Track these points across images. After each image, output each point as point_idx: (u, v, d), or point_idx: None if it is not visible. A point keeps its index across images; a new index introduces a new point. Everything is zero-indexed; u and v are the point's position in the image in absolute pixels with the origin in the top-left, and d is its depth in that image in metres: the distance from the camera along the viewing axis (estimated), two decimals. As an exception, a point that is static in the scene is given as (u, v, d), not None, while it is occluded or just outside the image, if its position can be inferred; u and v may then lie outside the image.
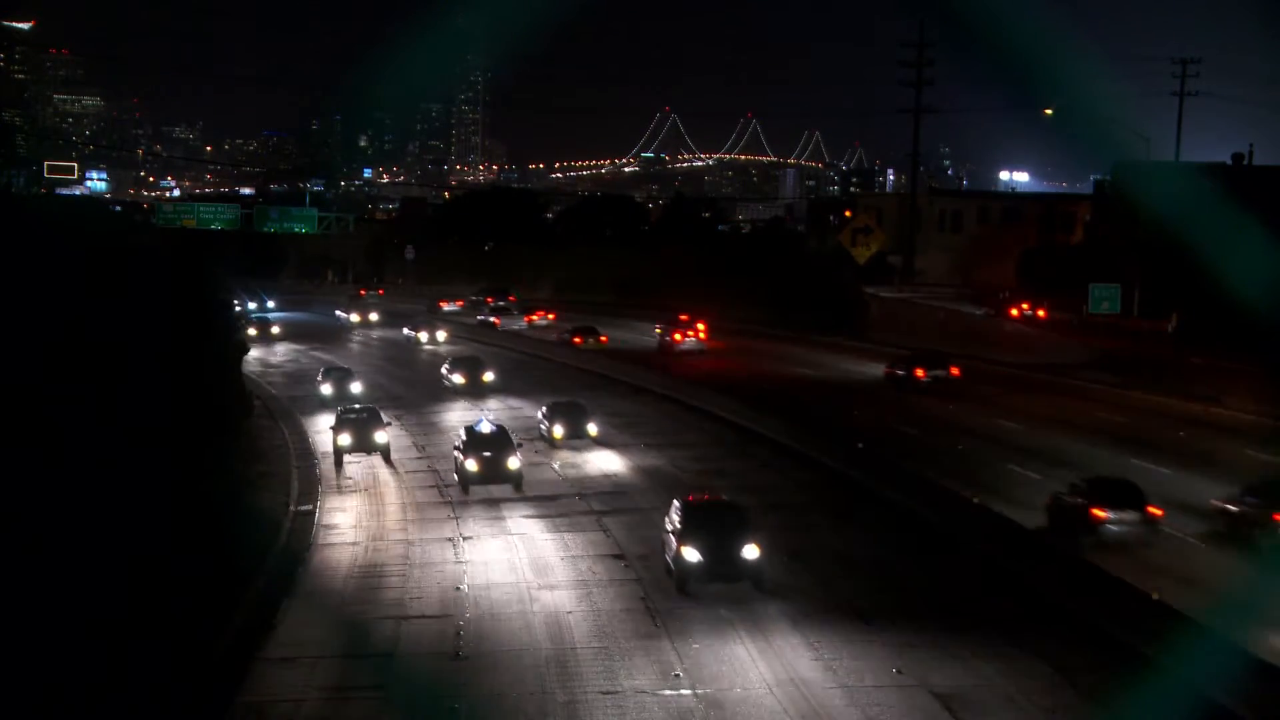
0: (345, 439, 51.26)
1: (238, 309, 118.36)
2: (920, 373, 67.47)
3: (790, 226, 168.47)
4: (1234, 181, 74.25)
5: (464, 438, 46.87)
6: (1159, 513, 36.75)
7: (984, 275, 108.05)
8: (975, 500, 39.48)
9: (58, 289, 36.95)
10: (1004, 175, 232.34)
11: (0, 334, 33.64)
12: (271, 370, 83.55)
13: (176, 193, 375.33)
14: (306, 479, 49.30)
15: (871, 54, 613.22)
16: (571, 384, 71.13)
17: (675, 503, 35.38)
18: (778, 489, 45.91)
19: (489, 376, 70.61)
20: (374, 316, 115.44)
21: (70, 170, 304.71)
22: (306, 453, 54.76)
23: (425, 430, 59.48)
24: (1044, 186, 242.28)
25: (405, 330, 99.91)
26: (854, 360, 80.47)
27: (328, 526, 42.31)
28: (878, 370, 72.04)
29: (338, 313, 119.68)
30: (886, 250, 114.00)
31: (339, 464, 51.20)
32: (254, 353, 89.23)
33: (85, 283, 38.47)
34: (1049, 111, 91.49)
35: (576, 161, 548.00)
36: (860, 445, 49.06)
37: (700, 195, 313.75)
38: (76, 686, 24.91)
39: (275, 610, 32.61)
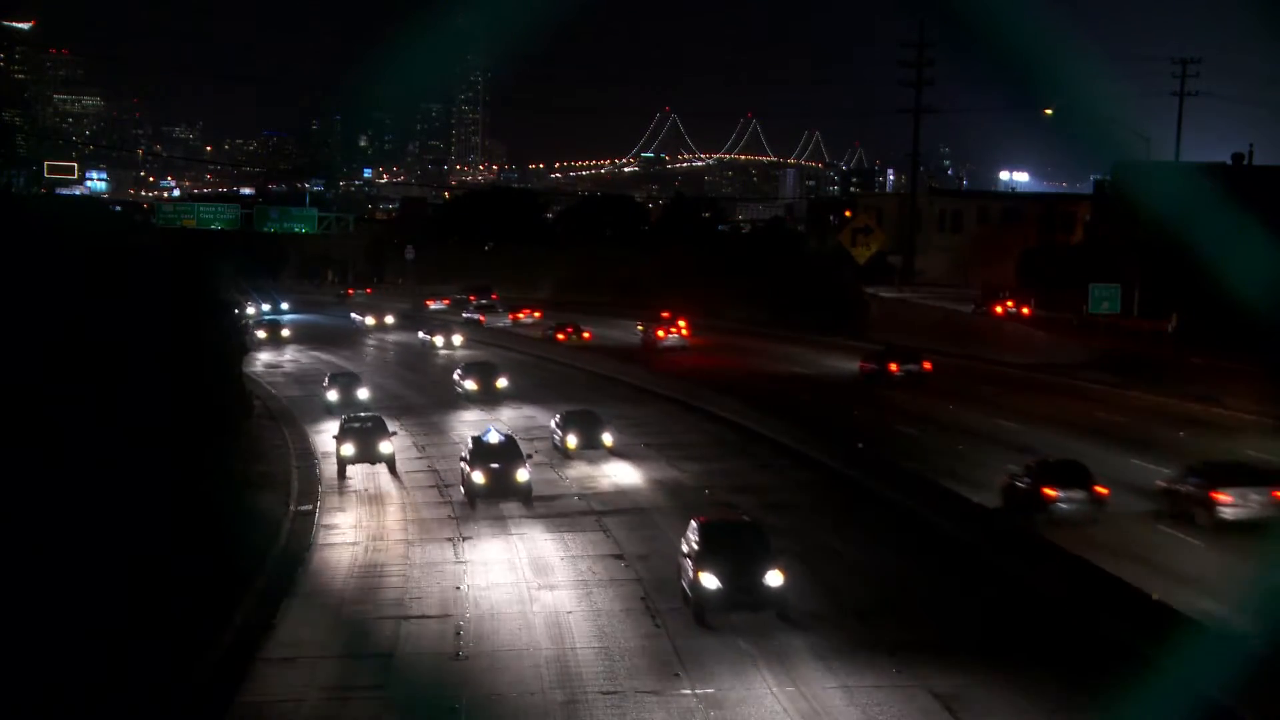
0: (349, 449, 49.35)
1: (250, 310, 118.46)
2: (894, 367, 70.44)
3: (790, 226, 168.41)
4: (1234, 181, 74.19)
5: (470, 448, 44.84)
6: (1105, 492, 38.99)
7: (984, 275, 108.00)
8: (975, 500, 39.55)
9: (58, 289, 36.95)
10: (1004, 175, 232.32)
11: (0, 334, 33.64)
12: (278, 373, 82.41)
13: (176, 193, 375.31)
14: (306, 479, 49.30)
15: (871, 54, 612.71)
16: (579, 387, 70.83)
17: (692, 523, 33.02)
18: (778, 488, 46.06)
19: (503, 383, 68.24)
20: (389, 320, 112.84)
21: (70, 170, 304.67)
22: (307, 453, 54.76)
23: (434, 439, 57.37)
24: (1044, 186, 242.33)
25: (420, 334, 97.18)
26: (837, 357, 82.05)
27: (328, 527, 42.31)
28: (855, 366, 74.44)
29: (352, 316, 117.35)
30: (886, 250, 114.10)
31: (342, 475, 49.25)
32: (263, 355, 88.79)
33: (85, 283, 38.47)
34: (1049, 111, 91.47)
35: (576, 161, 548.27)
36: (860, 445, 49.17)
37: (700, 195, 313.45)
38: (77, 686, 24.90)
39: (275, 610, 32.62)
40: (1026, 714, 25.45)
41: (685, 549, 32.44)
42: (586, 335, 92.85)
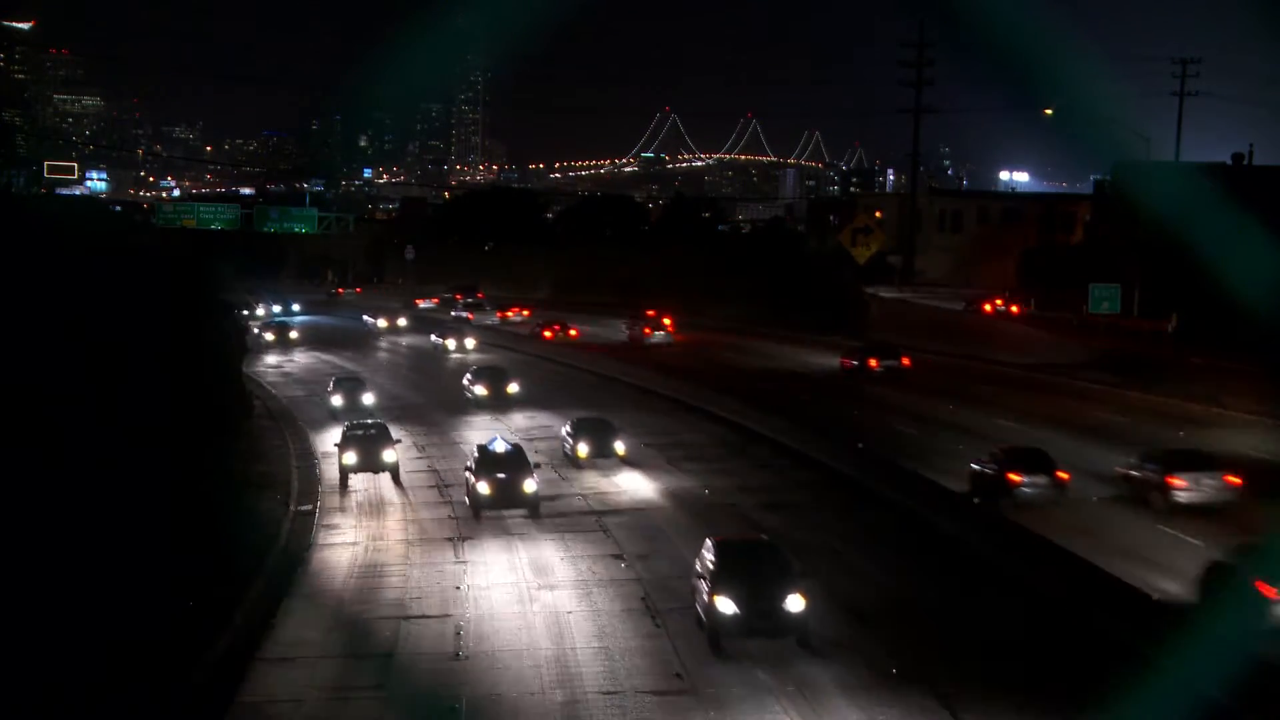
0: (351, 458, 47.47)
1: (260, 312, 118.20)
2: (873, 363, 72.40)
3: (790, 226, 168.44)
4: (1234, 181, 74.16)
5: (476, 457, 43.01)
6: (1066, 477, 40.91)
7: (984, 275, 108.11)
8: (975, 500, 39.56)
9: (57, 289, 36.96)
10: (1004, 175, 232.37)
11: (0, 334, 33.65)
12: (284, 376, 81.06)
13: (176, 193, 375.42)
14: (307, 479, 49.26)
15: (871, 54, 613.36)
16: (588, 389, 70.45)
17: (707, 542, 30.96)
18: (778, 488, 46.13)
19: (514, 388, 66.03)
20: (402, 322, 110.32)
21: (70, 170, 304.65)
22: (307, 453, 54.74)
23: (441, 446, 55.80)
24: (1044, 186, 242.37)
25: (433, 337, 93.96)
26: (818, 353, 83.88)
27: (328, 527, 42.30)
28: (834, 361, 76.68)
29: (364, 318, 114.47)
30: (886, 250, 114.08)
31: (344, 484, 47.52)
32: (270, 358, 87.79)
33: (85, 283, 38.47)
34: (1049, 111, 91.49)
35: (576, 161, 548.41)
36: (860, 445, 49.25)
37: (700, 195, 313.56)
38: (77, 686, 24.91)
39: (275, 610, 32.62)
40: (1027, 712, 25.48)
41: (700, 570, 30.46)
42: (573, 332, 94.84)
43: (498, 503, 41.58)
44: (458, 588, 34.63)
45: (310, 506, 44.68)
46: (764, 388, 68.27)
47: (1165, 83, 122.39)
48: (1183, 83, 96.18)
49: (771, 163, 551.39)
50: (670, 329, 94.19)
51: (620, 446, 49.95)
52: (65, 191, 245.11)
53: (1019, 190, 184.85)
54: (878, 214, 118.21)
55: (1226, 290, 56.97)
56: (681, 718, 25.52)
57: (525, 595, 33.71)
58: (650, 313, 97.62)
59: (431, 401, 68.67)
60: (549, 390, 69.80)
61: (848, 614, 31.23)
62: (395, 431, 51.38)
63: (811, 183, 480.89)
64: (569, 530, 40.45)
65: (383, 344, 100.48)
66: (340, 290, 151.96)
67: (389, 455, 47.97)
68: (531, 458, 44.69)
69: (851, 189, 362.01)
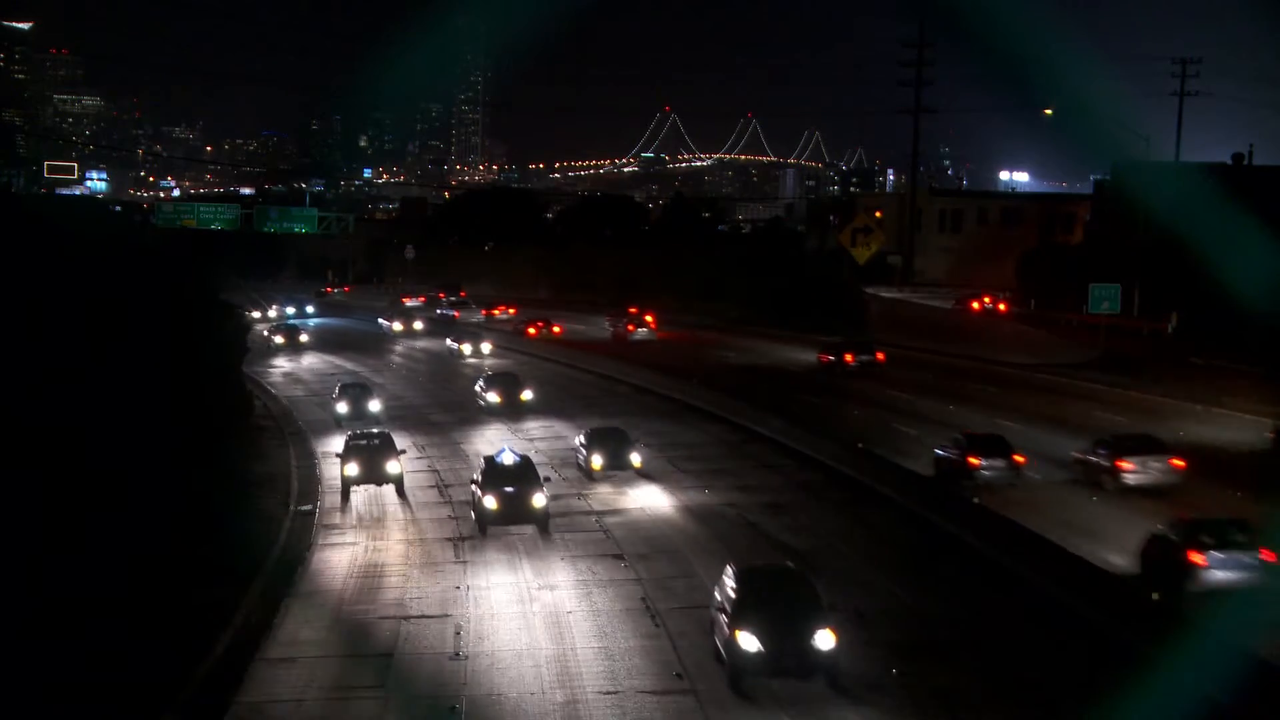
0: (353, 469, 45.34)
1: (272, 314, 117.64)
2: (849, 358, 74.87)
3: (790, 226, 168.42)
4: (1234, 181, 74.15)
5: (483, 470, 40.95)
6: (1022, 460, 44.02)
7: (984, 275, 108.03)
8: (975, 500, 39.57)
9: (56, 290, 36.97)
10: (1004, 175, 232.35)
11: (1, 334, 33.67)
12: (290, 380, 79.78)
13: (176, 193, 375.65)
14: (307, 479, 49.25)
15: (872, 54, 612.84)
16: (596, 391, 70.35)
17: (728, 570, 28.50)
18: (779, 488, 46.17)
19: (527, 395, 63.66)
20: (418, 325, 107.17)
21: (70, 170, 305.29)
22: (307, 453, 54.76)
23: (449, 457, 53.44)
24: (1044, 186, 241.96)
25: (448, 341, 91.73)
26: (800, 349, 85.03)
27: (328, 527, 42.29)
28: (811, 357, 79.10)
29: (380, 321, 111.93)
30: (886, 250, 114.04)
31: (345, 497, 45.38)
32: (279, 362, 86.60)
33: (84, 283, 38.48)
34: (1049, 111, 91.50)
35: (576, 161, 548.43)
36: (860, 445, 49.33)
37: (700, 195, 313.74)
38: (77, 686, 24.91)
39: (275, 610, 32.63)
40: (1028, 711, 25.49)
41: (719, 599, 28.02)
42: (557, 330, 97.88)
43: (505, 518, 39.66)
44: (458, 587, 34.64)
45: (310, 506, 44.67)
46: (746, 381, 70.15)
47: (1165, 83, 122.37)
48: (1182, 83, 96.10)
49: (771, 163, 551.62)
50: (653, 326, 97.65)
51: (636, 458, 47.67)
52: (65, 191, 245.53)
53: (1019, 190, 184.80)
54: (878, 214, 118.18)
55: (1226, 290, 57.00)
56: (681, 718, 25.53)
57: (525, 595, 33.71)
58: (633, 310, 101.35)
59: (442, 408, 66.66)
60: (559, 394, 68.71)
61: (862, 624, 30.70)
62: (401, 440, 50.12)
63: (811, 183, 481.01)
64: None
65: (398, 348, 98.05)
66: (329, 289, 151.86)
67: (393, 466, 45.89)
68: (542, 469, 42.82)
69: (851, 189, 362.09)
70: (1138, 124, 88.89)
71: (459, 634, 30.74)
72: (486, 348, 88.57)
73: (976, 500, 38.96)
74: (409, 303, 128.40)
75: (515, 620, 31.62)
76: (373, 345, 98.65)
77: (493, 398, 63.42)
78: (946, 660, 28.31)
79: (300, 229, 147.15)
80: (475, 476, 41.69)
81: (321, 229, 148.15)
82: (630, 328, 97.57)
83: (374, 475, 45.70)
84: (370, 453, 45.88)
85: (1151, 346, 77.53)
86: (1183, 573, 31.36)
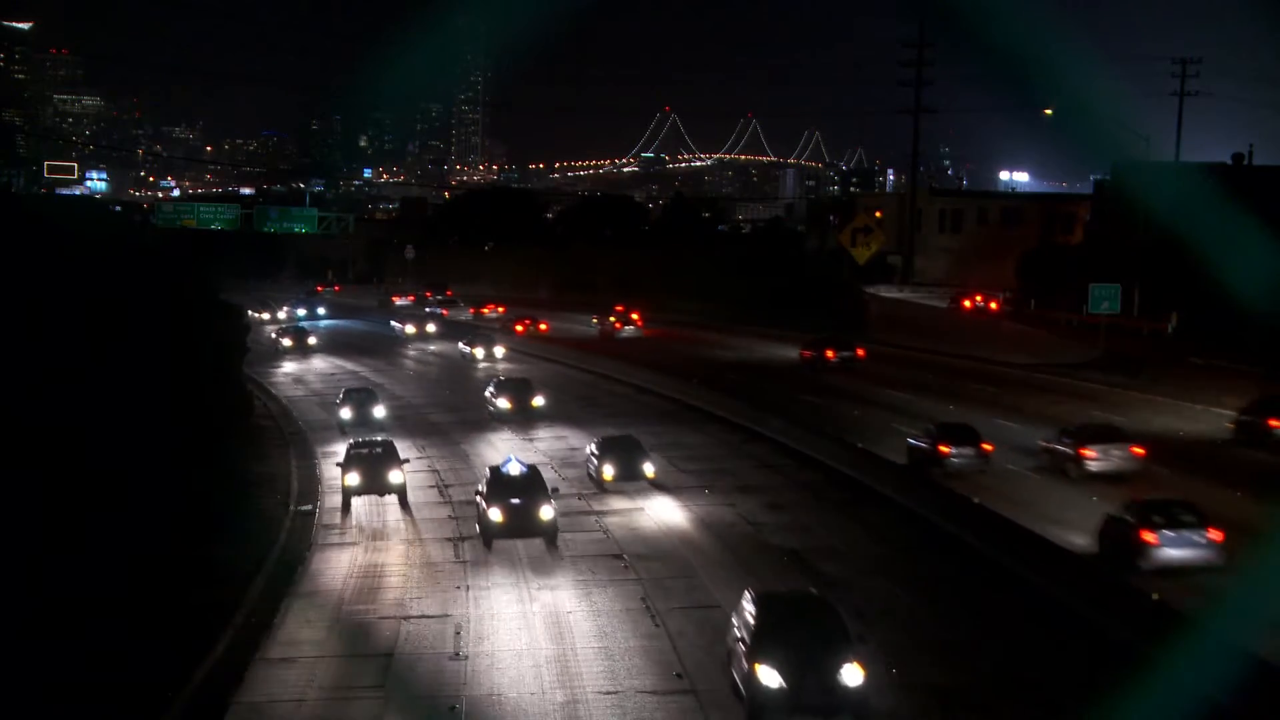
0: (354, 479, 43.68)
1: (282, 315, 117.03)
2: (830, 354, 77.17)
3: (790, 226, 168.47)
4: (1234, 181, 74.17)
5: (488, 480, 39.36)
6: (990, 448, 46.41)
7: (984, 275, 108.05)
8: (976, 500, 39.59)
9: (56, 290, 36.98)
10: (1004, 175, 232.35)
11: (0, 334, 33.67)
12: (297, 383, 78.15)
13: (176, 193, 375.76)
14: (307, 479, 49.25)
15: (872, 54, 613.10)
16: (606, 395, 70.01)
17: (746, 595, 26.54)
18: (779, 488, 46.21)
19: (539, 401, 61.82)
20: (431, 328, 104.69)
21: (70, 170, 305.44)
22: (307, 453, 54.77)
23: (456, 468, 51.32)
24: (1044, 186, 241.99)
25: (461, 345, 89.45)
26: (784, 347, 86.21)
27: (328, 527, 42.27)
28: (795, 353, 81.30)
29: (392, 324, 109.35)
30: (887, 250, 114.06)
31: (346, 509, 43.75)
32: (287, 365, 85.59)
33: (84, 283, 38.49)
34: (1049, 111, 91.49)
35: (576, 161, 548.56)
36: (859, 445, 49.42)
37: (700, 195, 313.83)
38: (77, 686, 24.92)
39: (275, 610, 32.63)
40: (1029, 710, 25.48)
41: (737, 628, 26.17)
42: (543, 327, 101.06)
43: (511, 531, 37.98)
44: (458, 587, 34.64)
45: (310, 506, 44.66)
46: (734, 377, 72.24)
47: (1165, 83, 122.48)
48: (1182, 83, 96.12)
49: (771, 163, 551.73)
50: (639, 323, 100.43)
51: (649, 468, 45.77)
52: (65, 191, 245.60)
53: (1019, 190, 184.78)
54: (878, 214, 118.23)
55: (1226, 290, 57.02)
56: (681, 718, 25.53)
57: (525, 595, 33.71)
58: (619, 308, 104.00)
59: (451, 414, 64.81)
60: (571, 400, 67.36)
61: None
62: (406, 448, 48.94)
63: (811, 183, 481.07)
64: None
65: (410, 351, 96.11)
66: (320, 288, 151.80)
67: (395, 476, 44.13)
68: (551, 479, 41.85)
69: (851, 189, 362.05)
70: (1138, 124, 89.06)
71: (459, 634, 30.73)
72: (500, 351, 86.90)
73: (977, 500, 39.08)
74: (398, 301, 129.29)
75: (515, 620, 31.62)
76: (384, 349, 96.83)
77: (503, 404, 61.69)
78: (947, 660, 28.33)
79: (300, 229, 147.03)
80: (480, 487, 40.19)
81: (321, 229, 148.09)
82: (617, 325, 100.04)
83: (376, 485, 44.07)
84: (372, 462, 44.22)
85: (1151, 346, 77.56)
86: (1136, 551, 33.67)
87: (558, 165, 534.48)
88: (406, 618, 32.23)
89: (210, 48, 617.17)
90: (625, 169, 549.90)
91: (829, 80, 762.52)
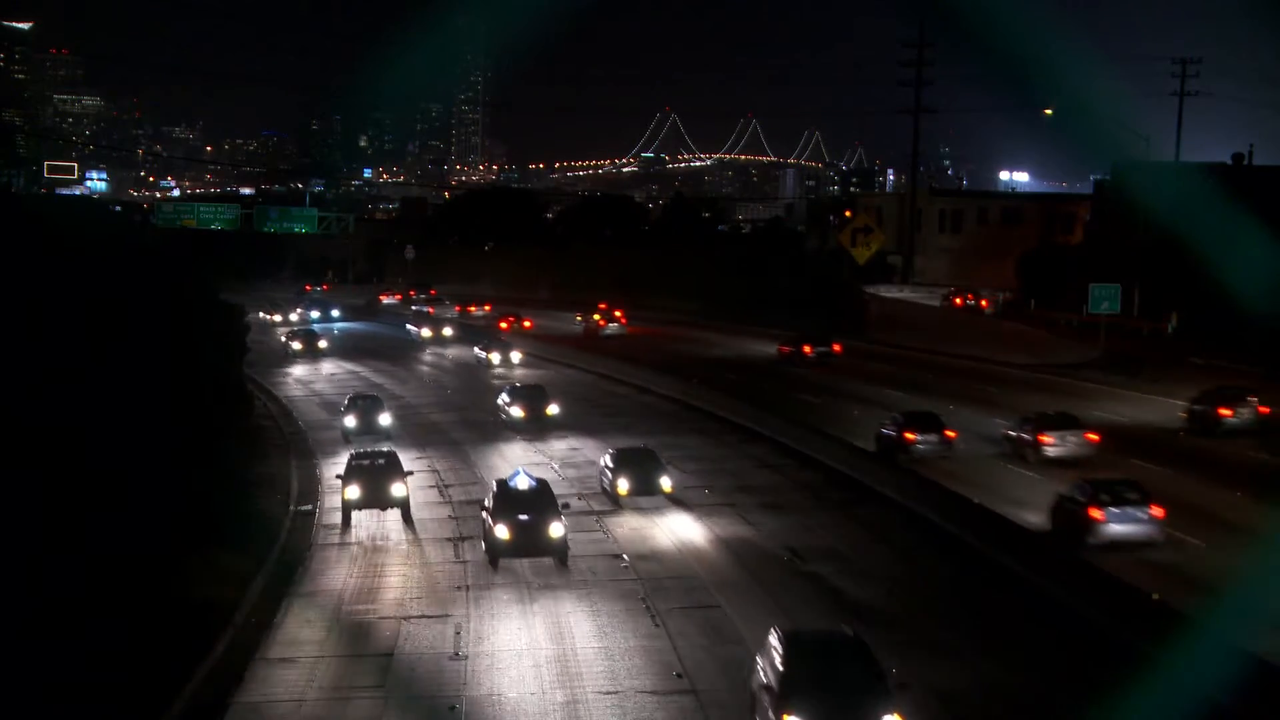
0: (354, 492, 41.61)
1: (294, 317, 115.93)
2: (807, 350, 79.71)
3: (790, 226, 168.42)
4: (1234, 181, 74.15)
5: (494, 494, 37.43)
6: (953, 435, 49.72)
7: (984, 275, 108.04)
8: (976, 501, 39.63)
9: (56, 290, 36.96)
10: (1004, 175, 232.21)
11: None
12: (305, 388, 75.75)
13: (176, 193, 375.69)
14: (307, 479, 49.23)
15: (872, 54, 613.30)
16: (614, 399, 70.04)
17: (772, 635, 24.49)
18: (778, 489, 46.19)
19: (553, 410, 59.46)
20: (448, 332, 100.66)
21: (70, 170, 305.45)
22: (307, 453, 54.76)
23: (463, 479, 49.33)
24: (1044, 186, 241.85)
25: (476, 350, 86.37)
26: (764, 343, 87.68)
27: (328, 526, 42.25)
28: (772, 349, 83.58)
29: (408, 327, 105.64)
30: (887, 250, 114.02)
31: (346, 523, 41.77)
32: (296, 370, 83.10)
33: (84, 283, 38.47)
34: (1049, 111, 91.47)
35: (576, 161, 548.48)
36: (859, 445, 49.59)
37: (700, 195, 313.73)
38: (77, 686, 24.91)
39: (275, 610, 32.64)
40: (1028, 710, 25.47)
41: (761, 670, 24.16)
42: (527, 324, 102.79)
43: (518, 549, 36.05)
44: (458, 588, 34.64)
45: (310, 506, 44.64)
46: (733, 377, 73.45)
47: (1165, 83, 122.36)
48: (1182, 83, 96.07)
49: (771, 163, 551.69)
50: (623, 321, 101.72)
51: (666, 482, 43.48)
52: (65, 191, 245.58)
53: (1019, 190, 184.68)
54: (864, 218, 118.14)
55: (1226, 290, 57.03)
56: (681, 718, 25.53)
57: (525, 595, 33.70)
58: (603, 306, 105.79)
59: (464, 424, 61.85)
60: (567, 397, 64.98)
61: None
62: (412, 460, 47.95)
63: (811, 183, 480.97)
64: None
65: (426, 356, 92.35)
66: (308, 286, 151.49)
67: (398, 489, 41.96)
68: (561, 492, 40.45)
69: (851, 189, 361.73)
70: (1138, 124, 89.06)
71: (459, 634, 30.74)
72: (516, 357, 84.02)
73: (977, 501, 39.16)
74: (385, 300, 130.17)
75: (515, 620, 31.62)
76: (398, 353, 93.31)
77: (516, 412, 59.50)
78: (946, 660, 28.34)
79: (300, 229, 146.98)
80: (486, 502, 38.22)
81: (321, 229, 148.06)
82: (601, 323, 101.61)
83: (378, 499, 41.91)
84: (374, 474, 42.16)
85: (1151, 346, 77.55)
86: (1085, 527, 36.24)
87: (558, 165, 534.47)
88: (406, 618, 32.24)
89: (210, 48, 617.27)
90: (625, 169, 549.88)
91: (829, 80, 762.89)
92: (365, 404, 59.13)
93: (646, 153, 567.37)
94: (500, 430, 59.15)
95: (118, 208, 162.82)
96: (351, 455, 44.62)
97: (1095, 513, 36.19)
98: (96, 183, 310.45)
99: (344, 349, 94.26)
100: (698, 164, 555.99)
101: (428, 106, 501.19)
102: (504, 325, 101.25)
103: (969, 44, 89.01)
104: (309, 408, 67.90)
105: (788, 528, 40.48)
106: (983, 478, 45.77)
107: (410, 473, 43.99)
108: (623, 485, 43.18)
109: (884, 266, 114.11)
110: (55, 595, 27.18)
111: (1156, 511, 36.34)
